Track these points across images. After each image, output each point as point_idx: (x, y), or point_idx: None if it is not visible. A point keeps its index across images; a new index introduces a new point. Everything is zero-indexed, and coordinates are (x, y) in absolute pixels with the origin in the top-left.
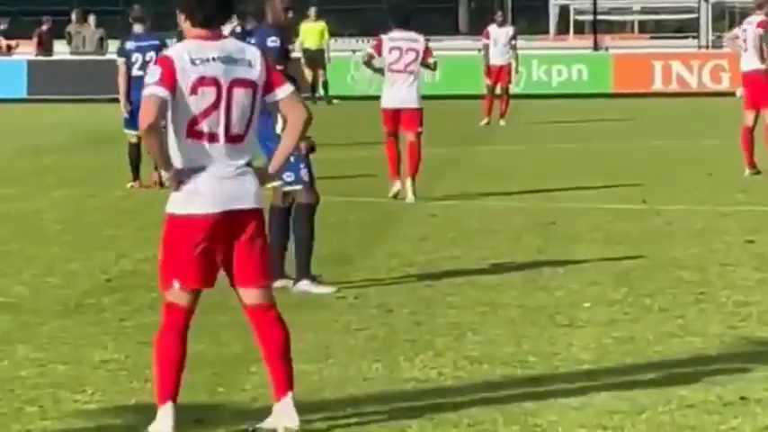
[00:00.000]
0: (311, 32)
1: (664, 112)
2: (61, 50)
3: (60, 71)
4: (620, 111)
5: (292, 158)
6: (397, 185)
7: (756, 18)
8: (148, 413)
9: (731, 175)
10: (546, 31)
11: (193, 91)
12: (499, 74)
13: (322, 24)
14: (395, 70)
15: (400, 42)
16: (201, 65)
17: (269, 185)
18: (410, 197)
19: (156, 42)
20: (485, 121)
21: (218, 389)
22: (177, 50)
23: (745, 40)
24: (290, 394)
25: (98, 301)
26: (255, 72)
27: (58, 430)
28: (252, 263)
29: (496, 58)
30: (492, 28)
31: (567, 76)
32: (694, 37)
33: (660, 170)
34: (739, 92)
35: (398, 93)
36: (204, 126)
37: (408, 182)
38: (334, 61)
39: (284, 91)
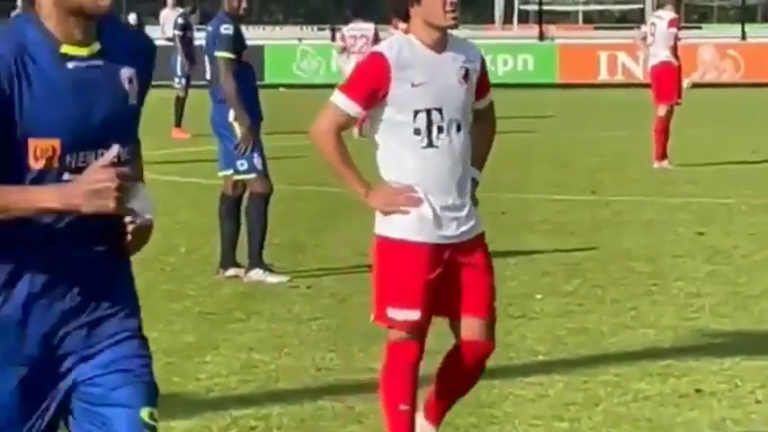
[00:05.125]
0: None
1: (610, 102)
2: None
3: None
4: (567, 101)
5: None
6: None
7: (667, 14)
8: None
9: (678, 166)
10: (492, 21)
11: None
12: None
13: None
14: (351, 52)
15: (354, 32)
16: None
17: (220, 174)
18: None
19: None
20: None
21: (173, 378)
22: None
23: (653, 34)
24: None
25: None
26: None
27: None
28: None
29: None
30: None
31: (513, 65)
32: (639, 27)
33: (608, 161)
34: (687, 82)
35: None
36: None
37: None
38: (279, 49)
39: None
